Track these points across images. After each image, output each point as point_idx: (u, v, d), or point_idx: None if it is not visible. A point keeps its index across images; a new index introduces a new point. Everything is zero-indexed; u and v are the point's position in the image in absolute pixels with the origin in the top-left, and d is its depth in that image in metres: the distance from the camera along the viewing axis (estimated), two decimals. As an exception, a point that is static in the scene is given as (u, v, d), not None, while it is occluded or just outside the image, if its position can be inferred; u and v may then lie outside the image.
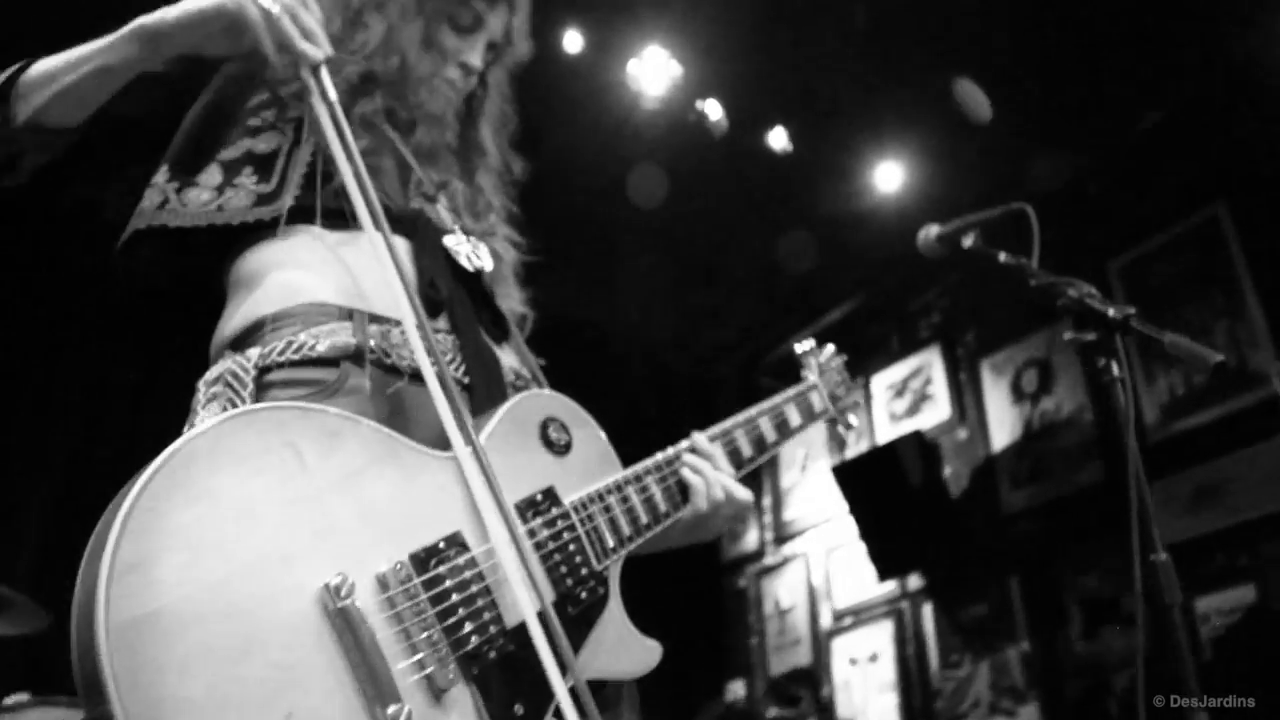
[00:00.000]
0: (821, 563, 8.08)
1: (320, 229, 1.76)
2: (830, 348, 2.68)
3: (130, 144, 1.78)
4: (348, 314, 1.69)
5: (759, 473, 8.80)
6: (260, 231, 1.76)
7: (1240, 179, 6.15)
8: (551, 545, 1.59)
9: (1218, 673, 4.60)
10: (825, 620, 7.96)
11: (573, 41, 5.65)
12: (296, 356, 1.63)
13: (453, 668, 1.35)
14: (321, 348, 1.63)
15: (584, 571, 1.62)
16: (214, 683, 1.14)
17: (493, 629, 1.42)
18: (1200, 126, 6.20)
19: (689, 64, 5.84)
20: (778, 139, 6.26)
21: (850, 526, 7.42)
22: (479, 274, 1.93)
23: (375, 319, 1.70)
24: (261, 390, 1.62)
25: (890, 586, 7.45)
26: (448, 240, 1.89)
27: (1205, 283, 6.19)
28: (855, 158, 6.53)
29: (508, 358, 1.93)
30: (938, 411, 7.61)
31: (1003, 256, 2.39)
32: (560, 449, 1.69)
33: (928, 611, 7.28)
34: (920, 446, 7.18)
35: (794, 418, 2.31)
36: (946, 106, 5.95)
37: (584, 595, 1.60)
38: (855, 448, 8.05)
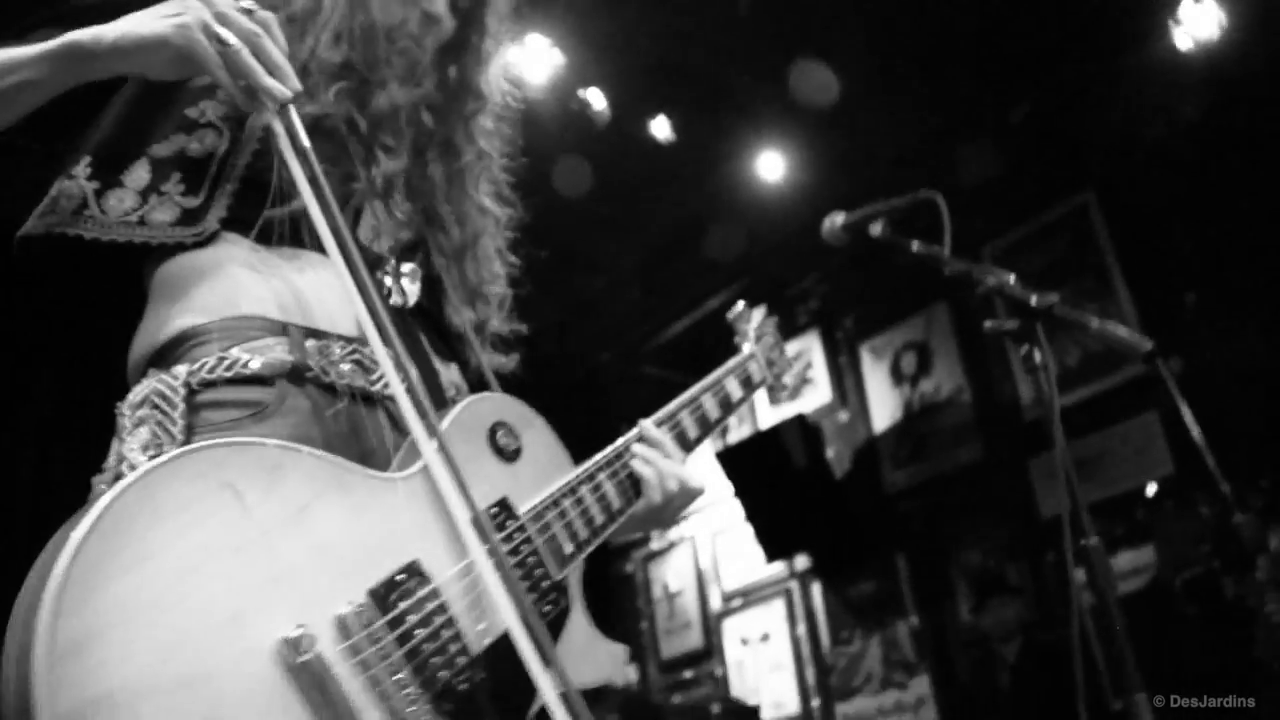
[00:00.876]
0: (708, 546, 8.16)
1: (245, 243, 1.60)
2: (761, 310, 2.54)
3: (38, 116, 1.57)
4: (282, 328, 1.54)
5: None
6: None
7: (1107, 169, 6.40)
8: (512, 561, 1.50)
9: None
10: (715, 603, 8.05)
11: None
12: (229, 374, 1.47)
13: (425, 709, 1.27)
14: (255, 365, 1.48)
15: (545, 584, 1.54)
16: None
17: (460, 660, 1.34)
18: (1069, 119, 6.42)
19: (571, 52, 5.80)
20: (660, 128, 6.27)
21: (736, 509, 7.50)
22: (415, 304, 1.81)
23: (312, 334, 1.55)
24: (193, 411, 1.46)
25: (779, 567, 7.57)
26: (385, 277, 1.75)
27: (1076, 268, 6.42)
28: (737, 146, 6.59)
29: (449, 373, 1.82)
30: (819, 395, 7.74)
31: (915, 245, 2.38)
32: (510, 455, 1.59)
33: (817, 590, 7.42)
34: (803, 430, 7.29)
35: (735, 391, 2.23)
36: (823, 100, 6.03)
37: (547, 609, 1.53)
38: (738, 431, 8.14)
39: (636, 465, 1.84)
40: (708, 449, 8.08)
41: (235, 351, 1.49)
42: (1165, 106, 6.19)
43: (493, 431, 1.58)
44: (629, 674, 8.26)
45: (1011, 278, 2.10)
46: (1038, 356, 2.02)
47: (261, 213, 1.58)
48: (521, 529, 1.54)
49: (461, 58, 1.93)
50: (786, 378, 2.51)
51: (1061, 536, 1.89)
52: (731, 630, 7.84)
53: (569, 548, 1.60)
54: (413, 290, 1.81)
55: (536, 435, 1.68)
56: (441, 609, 1.34)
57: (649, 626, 8.47)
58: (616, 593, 8.81)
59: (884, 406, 7.29)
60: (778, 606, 7.56)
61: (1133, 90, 6.20)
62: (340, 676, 1.19)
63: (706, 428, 2.08)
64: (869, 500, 7.13)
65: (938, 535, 6.76)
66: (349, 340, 1.56)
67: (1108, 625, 1.75)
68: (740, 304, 2.53)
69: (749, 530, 7.39)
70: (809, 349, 7.90)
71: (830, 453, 7.43)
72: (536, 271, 7.11)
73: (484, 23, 1.94)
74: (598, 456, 1.78)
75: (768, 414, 7.97)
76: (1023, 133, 6.57)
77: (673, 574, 8.39)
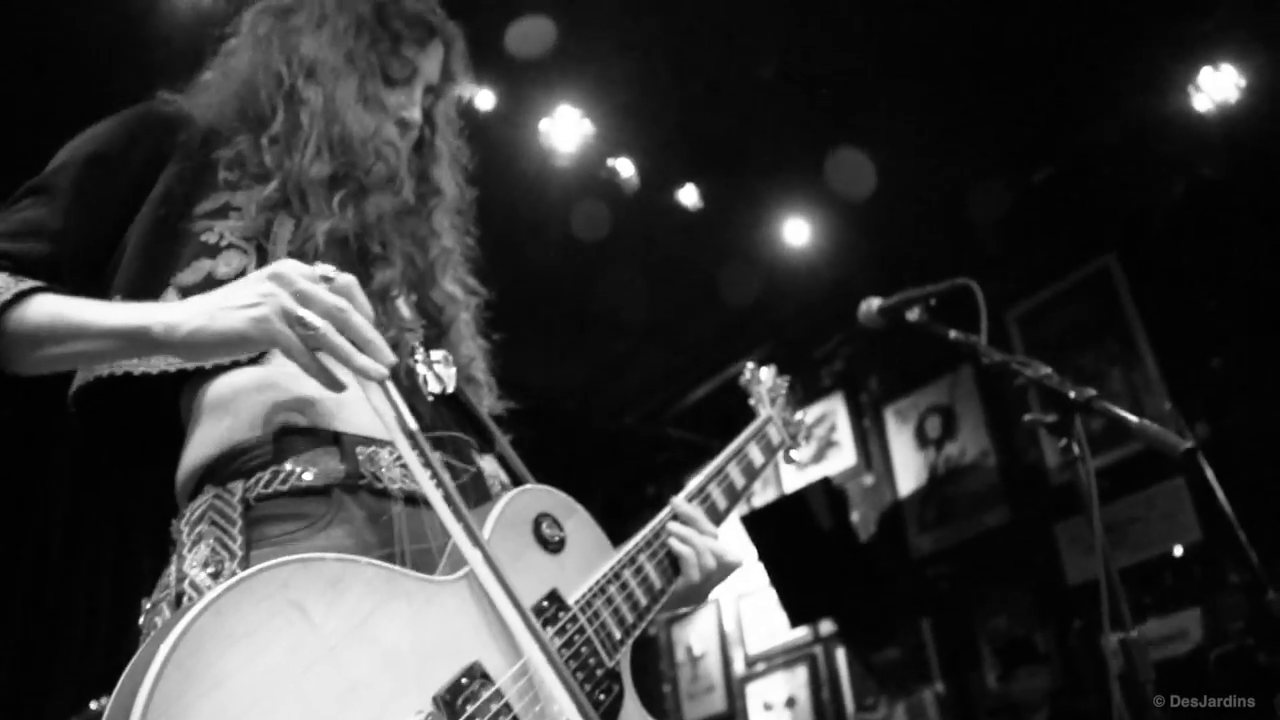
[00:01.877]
0: (733, 609, 8.14)
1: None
2: (771, 370, 2.55)
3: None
4: (333, 437, 1.57)
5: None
6: None
7: (1128, 232, 6.44)
8: (566, 654, 1.51)
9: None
10: (739, 666, 8.01)
11: (484, 100, 5.66)
12: (285, 487, 1.50)
13: None
14: (309, 476, 1.51)
15: (599, 673, 1.55)
16: None
17: None
18: (1090, 182, 6.47)
19: (600, 122, 5.90)
20: (688, 195, 6.35)
21: (761, 572, 7.48)
22: (451, 393, 1.86)
23: (362, 441, 1.58)
24: (251, 526, 1.48)
25: (803, 631, 7.53)
26: (417, 366, 1.80)
27: (1100, 331, 6.45)
28: (763, 212, 6.66)
29: (488, 464, 1.86)
30: (844, 458, 7.74)
31: (953, 334, 2.42)
32: (555, 546, 1.60)
33: (841, 655, 7.38)
34: (827, 493, 7.30)
35: (757, 457, 2.22)
36: (848, 166, 6.11)
37: (602, 697, 1.53)
38: (763, 495, 8.15)
39: (674, 544, 1.85)
40: (732, 513, 8.08)
41: (289, 465, 1.52)
42: (1186, 168, 6.24)
43: (537, 524, 1.60)
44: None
45: (1048, 370, 2.13)
46: (1076, 449, 2.04)
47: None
48: (574, 619, 1.55)
49: (422, 156, 2.04)
50: (801, 438, 2.51)
51: (1092, 603, 1.92)
52: (755, 695, 7.80)
53: (618, 634, 1.62)
54: (448, 375, 1.85)
55: (578, 523, 1.70)
56: (506, 708, 1.35)
57: (672, 690, 8.43)
58: (639, 655, 8.74)
59: (909, 470, 7.29)
60: (801, 672, 7.52)
61: (1153, 152, 6.25)
62: None
63: (734, 498, 2.10)
64: (894, 564, 7.12)
65: (963, 601, 6.73)
66: (388, 444, 1.58)
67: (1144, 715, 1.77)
68: (749, 365, 2.54)
69: (774, 594, 7.36)
70: (833, 412, 7.92)
71: (855, 516, 7.42)
72: (562, 335, 7.17)
73: (435, 120, 2.05)
74: (636, 538, 1.79)
75: (793, 477, 7.97)
76: (1045, 195, 6.61)
77: (696, 637, 8.36)
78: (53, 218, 1.63)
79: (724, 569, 1.92)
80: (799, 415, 2.55)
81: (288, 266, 1.42)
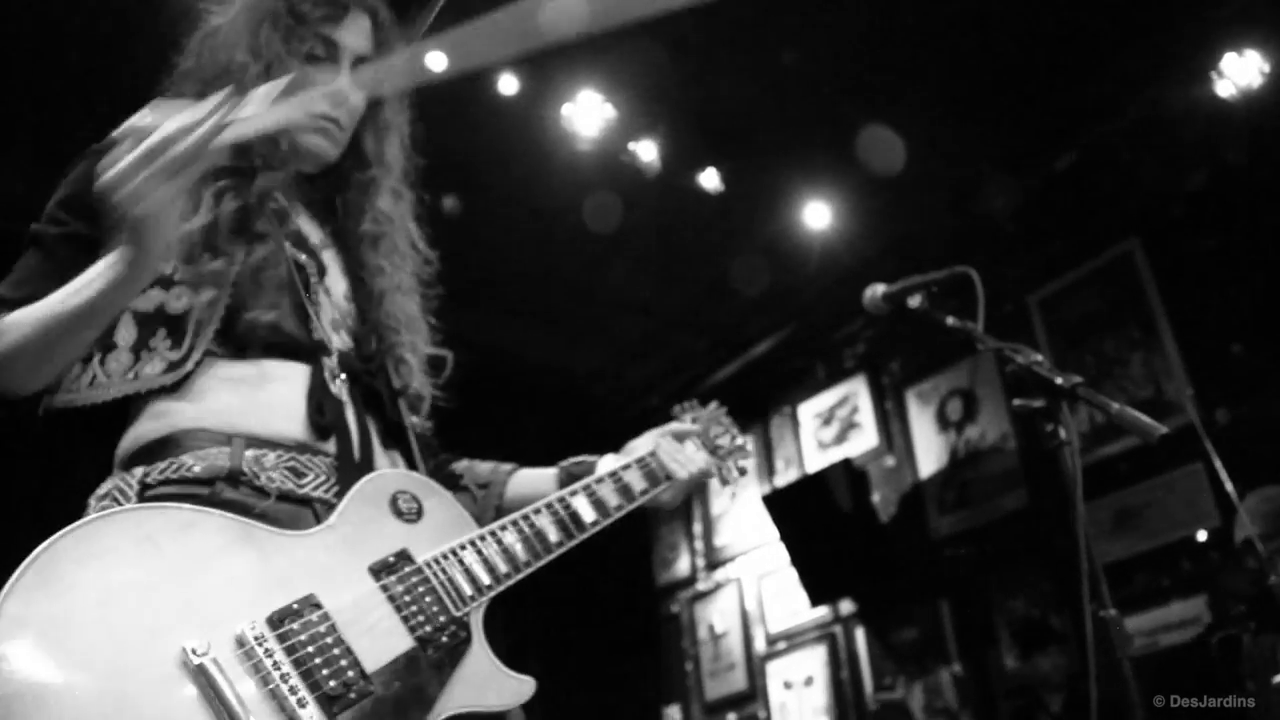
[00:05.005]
0: (754, 588, 8.22)
1: (213, 361, 1.86)
2: (713, 404, 2.68)
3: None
4: (226, 439, 1.79)
5: (689, 500, 8.91)
6: None
7: (1150, 218, 6.44)
8: (407, 599, 1.70)
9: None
10: (759, 645, 8.09)
11: (508, 84, 5.73)
12: (175, 475, 1.73)
13: (313, 708, 1.47)
14: (198, 469, 1.74)
15: (442, 619, 1.72)
16: None
17: (350, 673, 1.54)
18: (1113, 167, 6.47)
19: (622, 106, 5.96)
20: (709, 179, 6.40)
21: (781, 552, 7.56)
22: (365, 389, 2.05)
23: (251, 443, 1.80)
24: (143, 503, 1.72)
25: (823, 611, 7.60)
26: (326, 361, 1.96)
27: (1121, 316, 6.45)
28: (784, 196, 6.70)
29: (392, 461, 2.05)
30: (865, 439, 7.79)
31: (950, 320, 2.49)
32: (411, 517, 1.82)
33: (860, 635, 7.45)
34: (849, 474, 7.35)
35: (638, 483, 2.27)
36: (870, 148, 6.14)
37: (444, 639, 1.70)
38: (784, 476, 8.21)
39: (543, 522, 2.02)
40: (754, 493, 8.17)
41: (185, 458, 1.76)
42: (1209, 154, 6.23)
43: (394, 499, 1.82)
44: (673, 716, 8.33)
45: (1038, 357, 2.19)
46: (1063, 434, 2.10)
47: (233, 347, 1.88)
48: (419, 572, 1.75)
49: (367, 128, 2.18)
50: (736, 469, 2.61)
51: (1110, 586, 1.99)
52: (775, 673, 7.89)
53: (469, 590, 1.80)
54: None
55: (439, 502, 1.91)
56: (332, 629, 1.57)
57: (694, 668, 8.52)
58: (662, 633, 8.88)
59: (930, 452, 7.34)
60: (821, 651, 7.60)
61: (1177, 138, 6.24)
62: (234, 677, 1.43)
63: (604, 512, 2.14)
64: (914, 546, 7.17)
65: (983, 583, 6.78)
66: (289, 448, 1.83)
67: (1122, 692, 1.84)
68: (693, 400, 2.66)
69: (794, 573, 7.44)
70: (856, 393, 7.96)
71: (876, 497, 7.47)
72: (587, 319, 7.25)
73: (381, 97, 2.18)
74: (504, 519, 1.96)
75: (814, 458, 8.03)
76: (1067, 181, 6.62)
77: (718, 615, 8.45)
78: (47, 265, 1.84)
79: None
80: (740, 442, 2.66)
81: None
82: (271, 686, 1.46)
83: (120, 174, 1.54)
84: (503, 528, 1.92)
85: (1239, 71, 5.83)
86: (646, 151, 6.18)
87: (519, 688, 1.80)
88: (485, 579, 1.82)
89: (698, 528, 8.89)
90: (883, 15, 5.53)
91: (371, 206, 2.18)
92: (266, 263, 1.90)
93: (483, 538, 1.88)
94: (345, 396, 1.96)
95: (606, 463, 2.32)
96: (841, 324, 8.02)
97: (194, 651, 1.42)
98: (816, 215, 6.76)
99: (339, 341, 2.03)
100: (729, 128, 6.21)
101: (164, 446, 1.78)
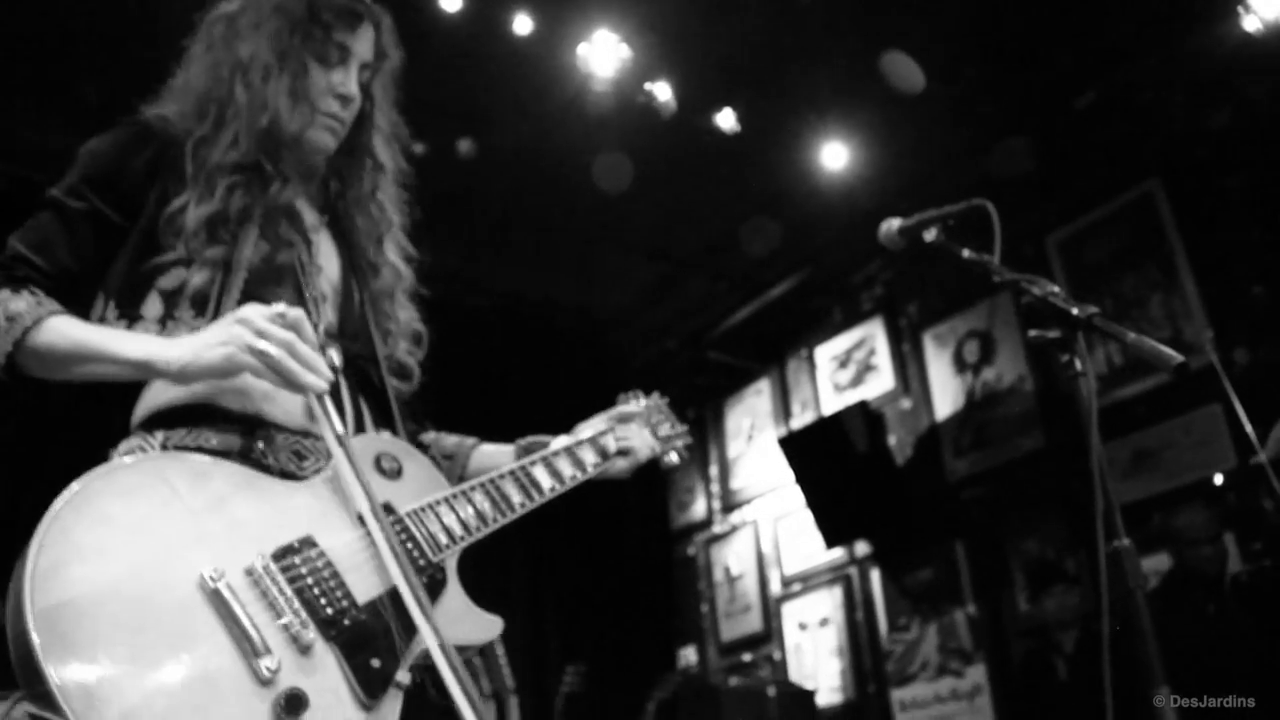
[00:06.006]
0: (770, 530, 8.26)
1: None
2: (655, 395, 2.87)
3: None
4: (241, 419, 1.95)
5: (705, 442, 8.96)
6: None
7: (1172, 157, 6.36)
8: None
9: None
10: (775, 587, 8.14)
11: (522, 24, 5.68)
12: (194, 444, 1.89)
13: (313, 630, 1.67)
14: (214, 442, 1.91)
15: (421, 563, 1.92)
16: (119, 646, 1.49)
17: (344, 602, 1.74)
18: (1133, 107, 6.38)
19: (638, 47, 5.90)
20: (725, 119, 6.35)
21: (797, 494, 7.58)
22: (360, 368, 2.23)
23: (262, 426, 1.96)
24: None
25: (838, 553, 7.64)
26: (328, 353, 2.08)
27: (1141, 257, 6.40)
28: (801, 137, 6.64)
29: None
30: (881, 382, 7.78)
31: (966, 253, 2.46)
32: (392, 474, 2.01)
33: (875, 577, 7.48)
34: (865, 416, 7.34)
35: (590, 457, 2.48)
36: (888, 87, 6.08)
37: (424, 579, 1.88)
38: (801, 418, 8.22)
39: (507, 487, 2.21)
40: (770, 435, 8.18)
41: (205, 430, 1.92)
42: (1233, 92, 6.13)
43: (377, 459, 2.02)
44: (689, 656, 8.41)
45: (1055, 288, 2.17)
46: (1078, 364, 2.09)
47: None
48: (399, 521, 1.94)
49: (362, 130, 2.33)
50: (674, 455, 2.81)
51: (1126, 526, 1.99)
52: (790, 614, 7.94)
53: (444, 539, 1.99)
54: (336, 354, 2.11)
55: (417, 464, 2.10)
56: (329, 564, 1.78)
57: (710, 609, 8.59)
58: (679, 575, 8.94)
59: (946, 394, 7.32)
60: (836, 592, 7.64)
61: (1200, 75, 6.14)
62: (245, 600, 1.63)
63: (559, 480, 2.34)
64: (930, 488, 7.17)
65: (997, 524, 6.79)
66: (294, 433, 1.98)
67: (1137, 624, 1.84)
68: (635, 390, 2.84)
69: (810, 515, 7.46)
70: (873, 336, 7.94)
71: (892, 440, 7.47)
72: (603, 260, 7.25)
73: (374, 95, 2.33)
74: (482, 478, 2.17)
75: (831, 400, 8.03)
76: (1088, 120, 6.53)
77: (734, 557, 8.50)
78: (67, 235, 2.00)
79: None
80: (678, 428, 2.87)
81: (250, 311, 1.83)
82: (277, 609, 1.66)
83: (278, 339, 1.81)
84: (472, 489, 2.11)
85: (1267, 5, 5.69)
86: (662, 92, 6.12)
87: (489, 624, 2.00)
88: (458, 530, 2.02)
89: (714, 470, 8.92)
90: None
91: (365, 195, 2.34)
92: (275, 251, 2.08)
93: (455, 496, 2.07)
94: (341, 381, 2.08)
95: (560, 441, 2.48)
96: (858, 266, 7.99)
97: (210, 577, 1.61)
98: (834, 156, 6.70)
99: (330, 317, 2.20)
100: (745, 68, 6.15)
101: (185, 416, 1.93)
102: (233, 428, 1.94)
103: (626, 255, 7.76)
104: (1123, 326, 2.07)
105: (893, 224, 2.70)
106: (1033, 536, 6.56)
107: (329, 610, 1.71)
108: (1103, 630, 1.93)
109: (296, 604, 1.68)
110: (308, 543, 1.77)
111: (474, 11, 5.52)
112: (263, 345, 1.79)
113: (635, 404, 2.76)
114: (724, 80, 6.24)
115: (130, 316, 1.98)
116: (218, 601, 1.60)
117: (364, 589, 1.78)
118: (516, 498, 2.19)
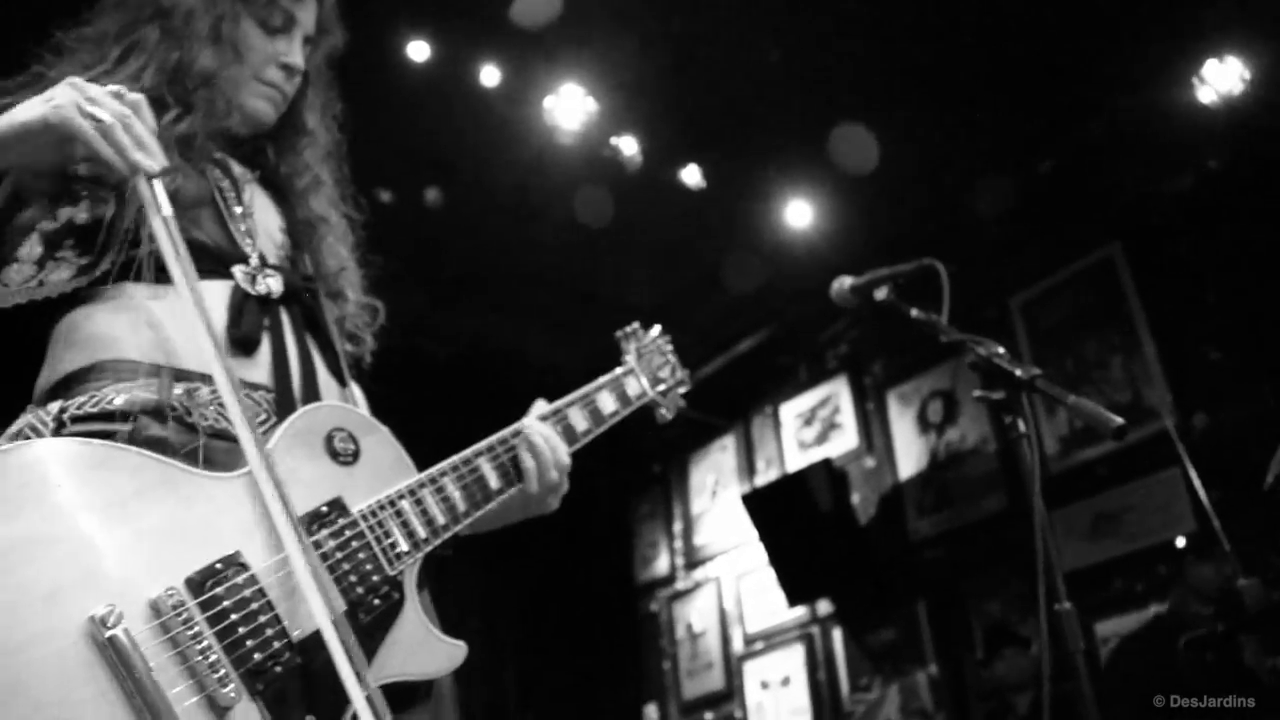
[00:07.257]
0: (733, 587, 8.20)
1: (136, 286, 1.76)
2: (655, 330, 2.69)
3: None
4: (154, 370, 1.68)
5: (669, 499, 8.91)
6: (80, 294, 1.76)
7: (1133, 222, 6.44)
8: (339, 555, 1.60)
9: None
10: (737, 644, 8.07)
11: (490, 76, 5.70)
12: (94, 410, 1.61)
13: (234, 686, 1.35)
14: (119, 402, 1.62)
15: (375, 579, 1.62)
16: None
17: (276, 644, 1.43)
18: (1093, 173, 6.47)
19: (604, 100, 5.93)
20: (691, 175, 6.38)
21: (760, 551, 7.54)
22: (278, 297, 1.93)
23: (180, 376, 1.69)
24: None
25: (801, 611, 7.59)
26: (236, 270, 1.87)
27: (1102, 319, 6.45)
28: (766, 195, 6.68)
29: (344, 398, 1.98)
30: (846, 440, 7.78)
31: (914, 312, 2.49)
32: (346, 459, 1.68)
33: (838, 636, 7.43)
34: (829, 474, 7.33)
35: (608, 404, 2.30)
36: (851, 149, 6.13)
37: (376, 602, 1.61)
38: (765, 475, 8.20)
39: (523, 456, 2.00)
40: (735, 492, 8.15)
41: (107, 390, 1.63)
42: (1191, 159, 6.23)
43: (330, 437, 1.68)
44: (651, 714, 8.31)
45: (1000, 349, 2.18)
46: (1021, 426, 2.09)
47: (153, 259, 1.71)
48: (354, 525, 1.64)
49: (297, 102, 2.19)
50: (670, 404, 2.61)
51: (1084, 589, 1.98)
52: (752, 673, 7.87)
53: (405, 545, 1.70)
54: (275, 282, 1.92)
55: (377, 441, 1.77)
56: (260, 594, 1.45)
57: (671, 666, 8.50)
58: (641, 631, 8.86)
59: (910, 454, 7.33)
60: (798, 651, 7.58)
61: (1158, 143, 6.23)
62: (147, 652, 1.28)
63: (572, 439, 2.15)
64: (893, 548, 7.16)
65: (960, 585, 6.77)
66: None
67: (1073, 688, 1.82)
68: (635, 325, 2.65)
69: (772, 574, 7.42)
70: (837, 394, 7.95)
71: (856, 498, 7.46)
72: (567, 314, 7.19)
73: (308, 71, 2.18)
74: (444, 463, 1.87)
75: (795, 458, 8.01)
76: (1050, 184, 6.61)
77: (696, 614, 8.43)
78: None
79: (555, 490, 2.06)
80: (679, 376, 2.67)
81: (82, 80, 1.61)
82: (191, 663, 1.34)
83: (113, 108, 1.59)
84: (442, 473, 1.84)
85: (1221, 77, 5.84)
86: (628, 146, 6.15)
87: (451, 652, 1.70)
88: (422, 533, 1.73)
89: (678, 526, 8.87)
90: (867, 15, 5.50)
91: (303, 164, 2.18)
92: (185, 181, 1.84)
93: (422, 484, 1.79)
94: (284, 317, 1.89)
95: (538, 407, 2.20)
96: (824, 324, 8.00)
97: (103, 622, 1.26)
98: (799, 214, 6.74)
99: (273, 259, 1.97)
100: (711, 124, 6.18)
101: (84, 377, 1.67)
102: (143, 381, 1.66)
103: (591, 309, 7.75)
104: (1082, 389, 2.08)
105: (844, 281, 2.74)
106: (995, 597, 6.54)
107: (257, 656, 1.40)
108: (1042, 694, 1.90)
109: (216, 652, 1.36)
110: (233, 562, 1.44)
111: (442, 62, 5.53)
112: (94, 109, 1.56)
113: (632, 346, 2.55)
114: (690, 136, 6.27)
115: (2, 259, 1.73)
116: (111, 656, 1.25)
117: (304, 622, 1.47)
118: (494, 482, 1.92)
